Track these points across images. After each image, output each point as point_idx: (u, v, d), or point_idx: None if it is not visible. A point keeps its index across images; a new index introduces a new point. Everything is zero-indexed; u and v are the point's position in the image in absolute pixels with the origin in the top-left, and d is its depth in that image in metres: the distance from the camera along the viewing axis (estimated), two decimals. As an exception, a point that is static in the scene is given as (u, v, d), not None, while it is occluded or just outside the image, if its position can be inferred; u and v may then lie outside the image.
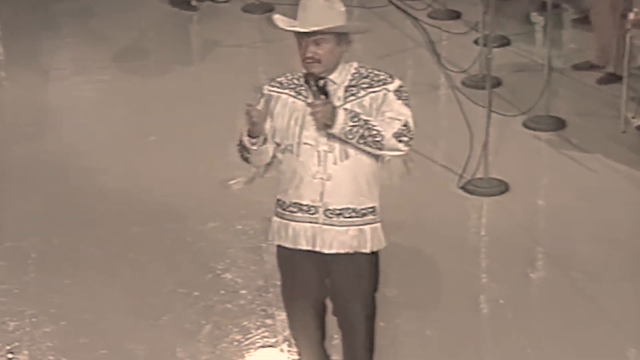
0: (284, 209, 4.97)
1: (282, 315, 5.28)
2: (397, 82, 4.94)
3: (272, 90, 4.96)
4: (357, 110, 4.85)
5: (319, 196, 4.90)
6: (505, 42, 9.89)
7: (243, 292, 6.45)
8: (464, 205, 7.45)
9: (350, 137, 4.80)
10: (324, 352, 5.38)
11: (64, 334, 6.10)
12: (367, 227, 4.99)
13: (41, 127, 8.62)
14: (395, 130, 4.84)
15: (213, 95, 9.02)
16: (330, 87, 4.89)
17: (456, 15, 10.58)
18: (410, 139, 4.90)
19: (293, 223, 4.95)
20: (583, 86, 9.09)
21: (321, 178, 4.89)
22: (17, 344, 6.03)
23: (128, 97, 9.16)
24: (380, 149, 4.86)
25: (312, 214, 4.92)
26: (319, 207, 4.90)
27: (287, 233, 4.98)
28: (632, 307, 6.29)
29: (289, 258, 5.05)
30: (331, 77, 4.89)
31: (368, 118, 4.82)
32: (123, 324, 6.18)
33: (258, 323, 6.17)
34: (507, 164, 7.80)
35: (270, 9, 10.58)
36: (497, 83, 8.88)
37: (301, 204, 4.93)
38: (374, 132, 4.82)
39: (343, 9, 4.92)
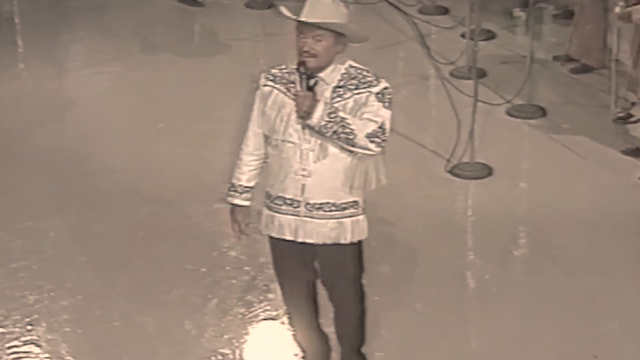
0: (271, 202, 5.00)
1: (283, 290, 5.31)
2: (381, 85, 4.86)
3: (267, 85, 4.93)
4: (345, 109, 4.80)
5: (300, 191, 4.91)
6: (490, 36, 9.89)
7: (247, 268, 6.45)
8: (451, 187, 7.45)
9: (324, 131, 4.77)
10: (318, 329, 5.41)
11: (80, 307, 6.10)
12: (347, 219, 4.99)
13: (57, 115, 8.60)
14: (369, 131, 4.80)
15: (217, 85, 9.02)
16: (320, 87, 4.83)
17: (445, 11, 10.58)
18: (383, 140, 4.86)
19: (278, 215, 4.99)
20: (562, 77, 9.10)
21: (302, 175, 4.88)
22: (36, 316, 6.03)
23: (138, 87, 9.16)
24: (352, 146, 4.83)
25: (295, 207, 4.94)
26: (301, 201, 4.92)
27: (273, 224, 5.02)
28: (609, 282, 6.30)
29: (277, 246, 5.11)
30: (322, 75, 4.84)
31: (345, 116, 4.77)
32: (134, 298, 6.18)
33: (261, 297, 6.18)
34: (492, 150, 7.81)
35: (272, 5, 10.58)
36: (483, 74, 8.87)
37: (285, 198, 4.95)
38: (348, 130, 4.78)
39: (346, 11, 4.88)
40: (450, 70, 9.19)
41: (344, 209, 4.98)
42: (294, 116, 4.83)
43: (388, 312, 5.96)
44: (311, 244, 5.00)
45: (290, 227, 4.99)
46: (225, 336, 5.85)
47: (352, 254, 5.11)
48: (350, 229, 5.02)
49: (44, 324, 5.97)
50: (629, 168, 7.57)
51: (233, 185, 5.09)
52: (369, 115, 4.82)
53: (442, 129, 8.08)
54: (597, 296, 6.13)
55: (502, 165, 7.64)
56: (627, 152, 7.75)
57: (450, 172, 7.59)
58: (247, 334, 5.89)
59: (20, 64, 9.72)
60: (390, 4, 10.75)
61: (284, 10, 4.86)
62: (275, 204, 4.98)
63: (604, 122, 8.21)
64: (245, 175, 5.05)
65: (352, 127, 4.77)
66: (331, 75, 4.86)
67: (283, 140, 4.87)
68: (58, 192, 7.41)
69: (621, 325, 5.86)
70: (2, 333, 5.89)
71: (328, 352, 5.46)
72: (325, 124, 4.75)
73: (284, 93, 4.88)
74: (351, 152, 4.85)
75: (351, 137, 4.78)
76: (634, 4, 7.29)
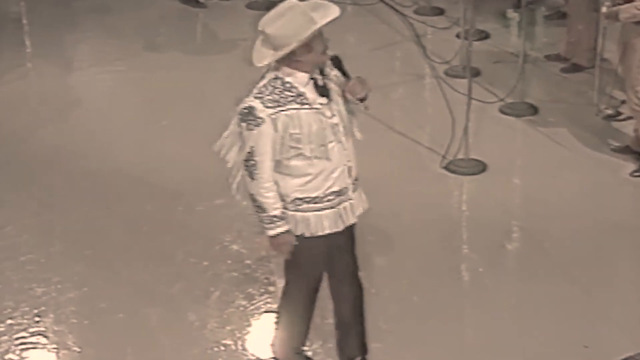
0: (317, 202, 4.92)
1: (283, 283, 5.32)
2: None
3: (273, 114, 4.73)
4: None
5: (348, 176, 4.96)
6: (484, 36, 9.90)
7: (248, 262, 6.48)
8: (446, 183, 7.48)
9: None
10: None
11: (86, 300, 6.14)
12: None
13: (63, 113, 8.62)
14: None
15: (219, 84, 9.02)
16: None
17: (440, 12, 10.59)
18: None
19: (333, 210, 4.94)
20: (554, 76, 9.11)
21: (347, 161, 4.93)
22: (43, 308, 6.06)
23: (142, 86, 9.17)
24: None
25: (346, 194, 4.97)
26: (349, 185, 4.97)
27: (323, 223, 4.94)
28: (601, 275, 6.33)
29: (324, 243, 5.01)
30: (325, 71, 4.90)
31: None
32: (139, 290, 6.21)
33: (262, 290, 6.21)
34: (486, 146, 7.82)
35: (270, 7, 10.55)
36: (477, 73, 8.88)
37: (336, 191, 4.93)
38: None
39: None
40: (445, 69, 9.20)
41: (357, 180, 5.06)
42: (328, 121, 4.81)
43: (385, 304, 5.99)
44: (350, 227, 5.05)
45: (344, 215, 5.00)
46: (228, 327, 5.88)
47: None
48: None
49: (51, 316, 6.01)
50: (618, 165, 7.59)
51: (270, 217, 4.87)
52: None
53: (438, 126, 8.09)
54: (589, 289, 6.16)
55: (495, 162, 7.66)
56: (616, 150, 7.77)
57: (446, 168, 7.61)
58: (249, 325, 5.92)
59: (28, 64, 9.73)
60: (387, 5, 10.76)
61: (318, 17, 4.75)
62: (329, 201, 4.93)
63: (594, 120, 8.24)
64: (276, 202, 4.87)
65: None
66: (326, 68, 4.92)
67: (322, 145, 4.81)
68: (64, 188, 7.43)
69: (613, 317, 5.89)
70: (11, 324, 5.93)
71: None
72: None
73: (299, 109, 4.77)
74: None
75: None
76: (620, 4, 7.27)
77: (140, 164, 7.73)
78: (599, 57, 8.34)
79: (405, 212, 7.06)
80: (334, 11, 4.77)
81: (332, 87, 4.90)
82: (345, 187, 4.96)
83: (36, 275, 6.39)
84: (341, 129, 4.88)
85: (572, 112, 8.39)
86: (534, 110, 8.47)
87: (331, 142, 4.84)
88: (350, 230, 5.10)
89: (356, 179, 5.02)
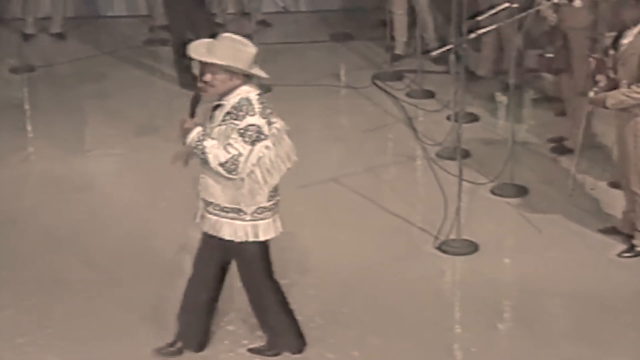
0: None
1: None
2: (246, 121, 5.62)
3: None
4: (220, 134, 5.64)
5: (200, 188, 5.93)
6: (473, 118, 9.93)
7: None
8: (439, 263, 7.47)
9: (194, 152, 5.71)
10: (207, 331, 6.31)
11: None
12: (227, 221, 5.89)
13: (63, 196, 8.60)
14: (222, 160, 5.62)
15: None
16: (220, 109, 5.65)
17: (431, 95, 10.64)
18: (234, 170, 5.64)
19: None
20: (542, 157, 9.14)
21: (201, 176, 5.87)
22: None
23: (141, 168, 9.16)
24: (210, 167, 5.69)
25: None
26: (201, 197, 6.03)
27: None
28: (592, 353, 6.31)
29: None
30: (224, 99, 5.64)
31: (208, 144, 5.64)
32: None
33: None
34: (477, 227, 7.83)
35: (268, 90, 10.61)
36: (467, 155, 8.91)
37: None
38: (203, 156, 5.66)
39: (247, 52, 5.62)
40: (436, 151, 9.23)
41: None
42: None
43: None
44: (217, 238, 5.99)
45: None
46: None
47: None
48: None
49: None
50: (607, 245, 7.59)
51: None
52: (228, 147, 5.63)
53: (430, 207, 8.10)
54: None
55: (487, 242, 7.66)
56: (604, 231, 7.77)
57: (438, 248, 7.61)
58: None
59: (29, 147, 9.74)
60: (380, 88, 10.84)
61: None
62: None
63: (581, 201, 8.23)
64: None
65: (208, 155, 5.63)
66: (230, 101, 5.61)
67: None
68: (63, 270, 7.40)
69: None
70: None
71: None
72: (195, 147, 5.68)
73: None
74: None
75: (208, 161, 5.66)
76: (607, 90, 7.28)
77: (140, 244, 7.71)
78: (579, 141, 8.24)
79: (398, 292, 7.04)
80: (213, 56, 5.60)
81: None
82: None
83: (32, 356, 6.36)
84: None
85: (560, 192, 8.40)
86: (524, 191, 8.49)
87: None
88: (216, 240, 5.94)
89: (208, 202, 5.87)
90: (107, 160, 9.34)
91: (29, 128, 10.15)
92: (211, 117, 5.78)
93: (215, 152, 5.63)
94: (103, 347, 6.45)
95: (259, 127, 5.63)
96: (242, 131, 5.60)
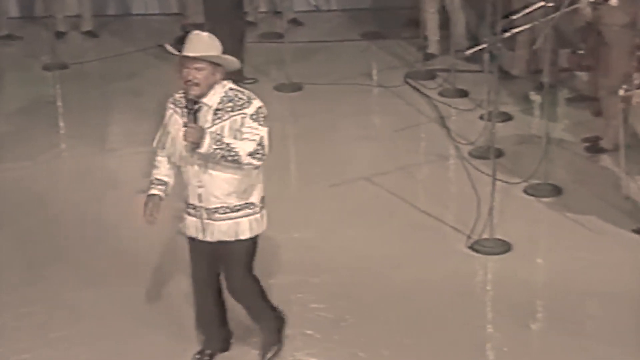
0: (186, 207, 5.79)
1: None
2: (254, 106, 5.51)
3: (170, 107, 5.69)
4: (224, 131, 5.46)
5: (197, 199, 5.69)
6: (507, 117, 9.89)
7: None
8: (471, 262, 7.42)
9: (213, 157, 5.47)
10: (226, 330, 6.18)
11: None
12: (243, 219, 5.70)
13: (95, 193, 8.63)
14: (250, 150, 5.48)
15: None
16: (203, 111, 5.48)
17: (464, 94, 10.60)
18: (264, 154, 5.55)
19: (188, 217, 5.79)
20: (577, 157, 9.07)
21: (198, 185, 5.64)
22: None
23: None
24: (238, 165, 5.51)
25: (197, 211, 5.72)
26: (201, 207, 5.69)
27: (186, 225, 5.81)
28: (627, 355, 6.23)
29: (190, 245, 5.88)
30: (205, 100, 5.47)
31: (230, 141, 5.46)
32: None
33: None
34: (510, 227, 7.77)
35: (299, 88, 10.63)
36: (500, 154, 8.87)
37: (189, 204, 5.76)
38: (233, 153, 5.46)
39: (220, 45, 5.53)
40: (469, 150, 9.19)
41: (238, 210, 5.71)
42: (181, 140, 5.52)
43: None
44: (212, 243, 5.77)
45: (199, 228, 5.80)
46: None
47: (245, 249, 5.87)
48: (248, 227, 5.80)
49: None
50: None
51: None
52: (248, 135, 5.49)
53: (463, 206, 8.06)
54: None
55: (520, 242, 7.60)
56: (638, 231, 7.69)
57: (471, 247, 7.56)
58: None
59: (62, 144, 9.79)
60: (412, 87, 10.81)
61: (169, 47, 5.72)
62: (190, 208, 5.80)
63: (617, 201, 8.16)
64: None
65: (236, 149, 5.46)
66: (212, 99, 5.48)
67: (180, 155, 5.62)
68: (94, 266, 7.41)
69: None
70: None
71: None
72: (214, 151, 5.45)
73: (179, 115, 5.59)
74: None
75: (236, 158, 5.47)
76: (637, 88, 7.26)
77: (171, 241, 7.69)
78: (622, 140, 8.22)
79: (430, 291, 7.00)
80: (196, 50, 5.46)
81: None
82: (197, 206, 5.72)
83: (65, 352, 6.37)
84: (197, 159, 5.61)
85: (594, 192, 8.34)
86: (558, 190, 8.42)
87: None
88: (217, 247, 5.76)
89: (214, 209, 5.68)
90: (137, 158, 9.34)
91: (61, 125, 10.20)
92: (195, 121, 5.52)
93: (240, 145, 5.48)
94: (136, 343, 6.45)
95: (264, 108, 5.60)
96: (254, 116, 5.52)
